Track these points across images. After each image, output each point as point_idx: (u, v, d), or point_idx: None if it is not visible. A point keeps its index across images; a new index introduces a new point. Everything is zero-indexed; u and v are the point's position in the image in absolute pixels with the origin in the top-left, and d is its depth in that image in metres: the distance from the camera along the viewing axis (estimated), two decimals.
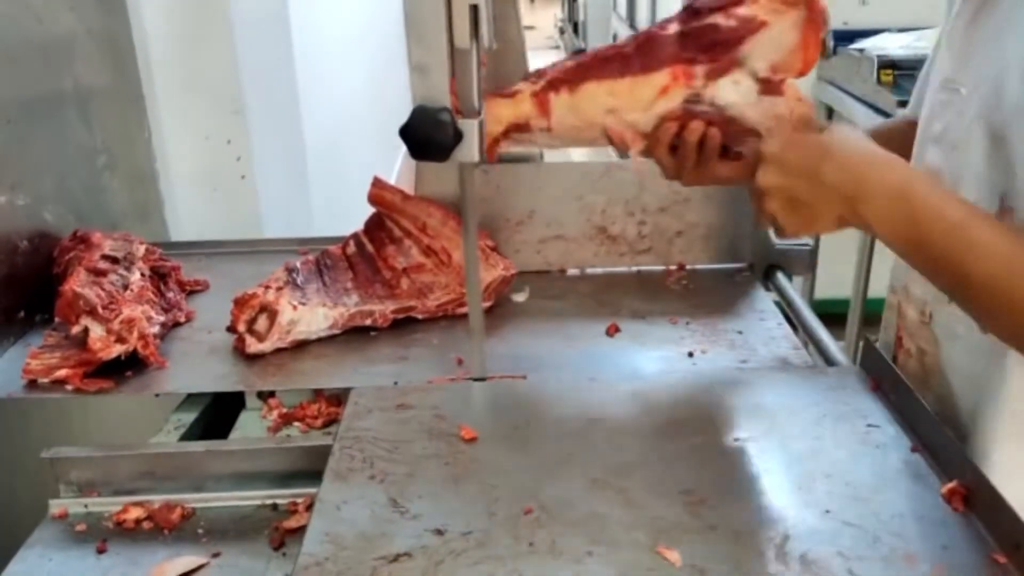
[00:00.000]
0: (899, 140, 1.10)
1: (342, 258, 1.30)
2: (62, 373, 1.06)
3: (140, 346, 1.08)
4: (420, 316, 1.21)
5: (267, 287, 1.15)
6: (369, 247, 1.30)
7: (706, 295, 1.31)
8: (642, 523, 0.80)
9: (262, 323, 1.13)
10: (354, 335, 1.19)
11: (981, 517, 0.80)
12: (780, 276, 1.35)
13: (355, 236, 1.33)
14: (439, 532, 0.79)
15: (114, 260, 1.16)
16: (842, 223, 0.87)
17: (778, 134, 0.93)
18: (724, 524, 0.80)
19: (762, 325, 1.21)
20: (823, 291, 3.11)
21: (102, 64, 1.46)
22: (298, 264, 1.24)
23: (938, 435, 0.89)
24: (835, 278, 3.05)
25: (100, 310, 1.08)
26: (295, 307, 1.14)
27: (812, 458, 0.89)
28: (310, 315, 1.15)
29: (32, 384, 1.07)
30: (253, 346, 1.13)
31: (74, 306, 1.08)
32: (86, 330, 1.07)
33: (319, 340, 1.18)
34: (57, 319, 1.12)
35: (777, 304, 1.29)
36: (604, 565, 0.75)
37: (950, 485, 0.83)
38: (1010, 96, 0.82)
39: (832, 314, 1.21)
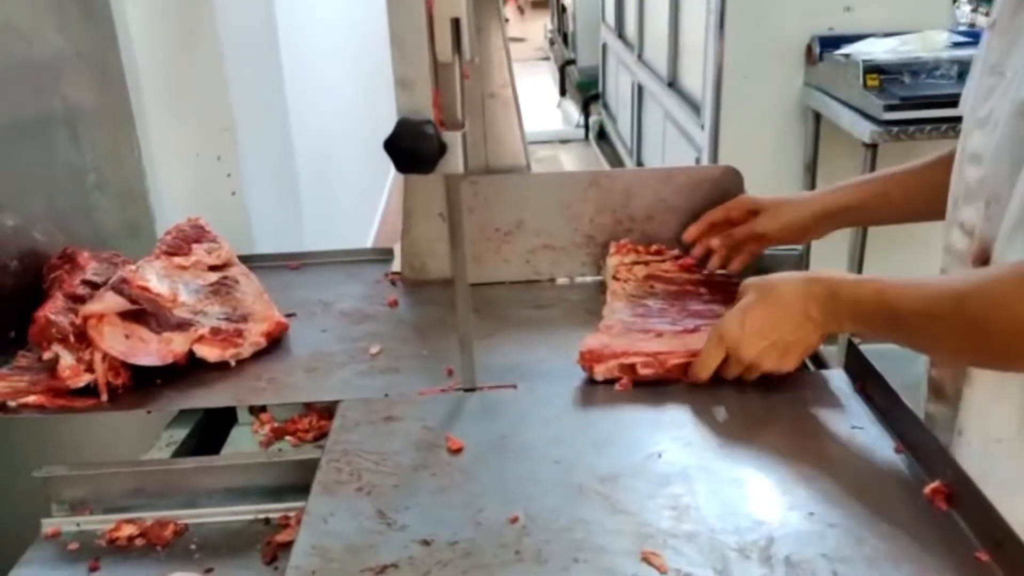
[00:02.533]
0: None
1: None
2: (31, 399, 1.06)
3: (111, 376, 1.08)
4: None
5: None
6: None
7: None
8: (628, 529, 0.81)
9: None
10: (346, 347, 1.20)
11: (964, 516, 0.81)
12: None
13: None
14: (426, 543, 0.80)
15: (94, 285, 1.16)
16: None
17: (724, 318, 1.03)
18: (709, 528, 0.81)
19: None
20: None
21: (90, 84, 1.47)
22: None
23: (921, 435, 0.89)
24: (827, 266, 3.06)
25: (71, 338, 1.08)
26: None
27: (797, 460, 0.90)
28: None
29: (2, 406, 1.07)
30: None
31: (46, 333, 1.08)
32: (57, 357, 1.08)
33: (310, 353, 1.19)
34: (30, 342, 1.12)
35: None
36: (590, 572, 0.76)
37: (933, 485, 0.84)
38: None
39: None
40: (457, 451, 0.94)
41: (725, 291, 1.22)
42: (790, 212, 1.25)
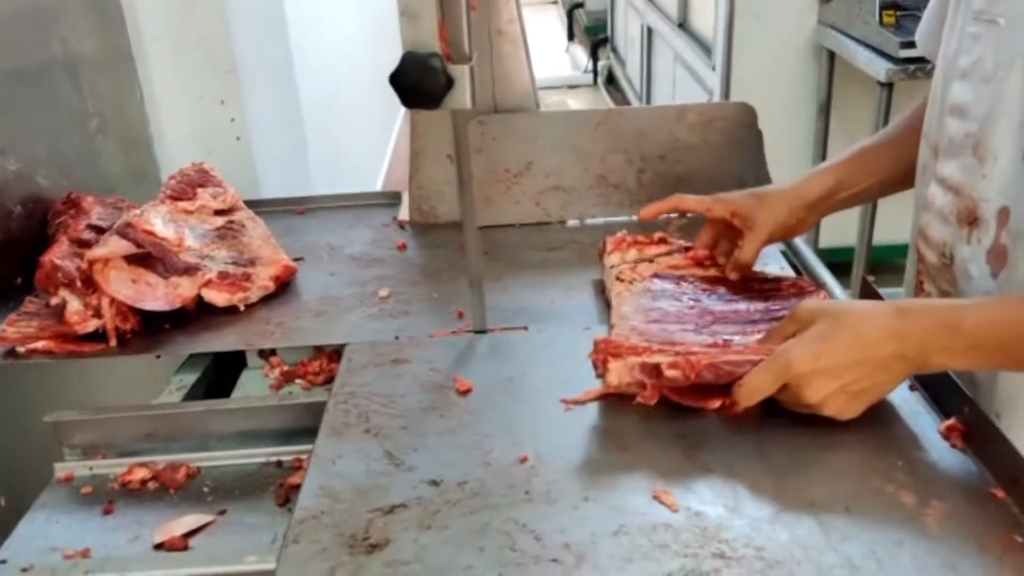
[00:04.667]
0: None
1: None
2: (40, 345, 1.06)
3: (119, 321, 1.07)
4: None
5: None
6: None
7: None
8: (639, 468, 0.80)
9: None
10: (355, 290, 1.19)
11: (979, 453, 0.80)
12: None
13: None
14: (434, 483, 0.79)
15: (99, 230, 1.15)
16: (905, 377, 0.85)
17: (792, 346, 0.83)
18: (721, 466, 0.80)
19: (765, 270, 1.20)
20: (827, 240, 3.10)
21: (90, 27, 1.44)
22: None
23: (936, 373, 0.87)
24: (839, 226, 3.03)
25: (78, 283, 1.06)
26: None
27: None
28: None
29: (11, 352, 1.06)
30: None
31: (52, 278, 1.07)
32: (64, 302, 1.07)
33: (319, 297, 1.18)
34: (37, 287, 1.11)
35: (783, 254, 1.27)
36: (601, 510, 0.76)
37: (948, 422, 0.83)
38: None
39: (837, 263, 1.19)
40: (465, 392, 0.93)
41: (746, 288, 1.06)
42: (781, 205, 1.09)
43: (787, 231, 1.10)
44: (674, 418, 0.87)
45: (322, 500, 0.78)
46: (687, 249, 1.13)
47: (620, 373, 0.87)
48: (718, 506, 0.75)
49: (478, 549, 0.72)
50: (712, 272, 1.09)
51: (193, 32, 1.66)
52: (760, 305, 1.02)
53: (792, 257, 1.26)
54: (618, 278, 1.08)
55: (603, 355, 0.87)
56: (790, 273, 1.19)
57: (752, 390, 0.84)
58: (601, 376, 0.88)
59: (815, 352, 0.81)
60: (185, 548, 0.83)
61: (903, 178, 1.11)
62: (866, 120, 2.83)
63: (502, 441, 0.85)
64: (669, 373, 0.85)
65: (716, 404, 0.87)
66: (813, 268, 1.19)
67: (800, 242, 1.28)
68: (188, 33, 1.66)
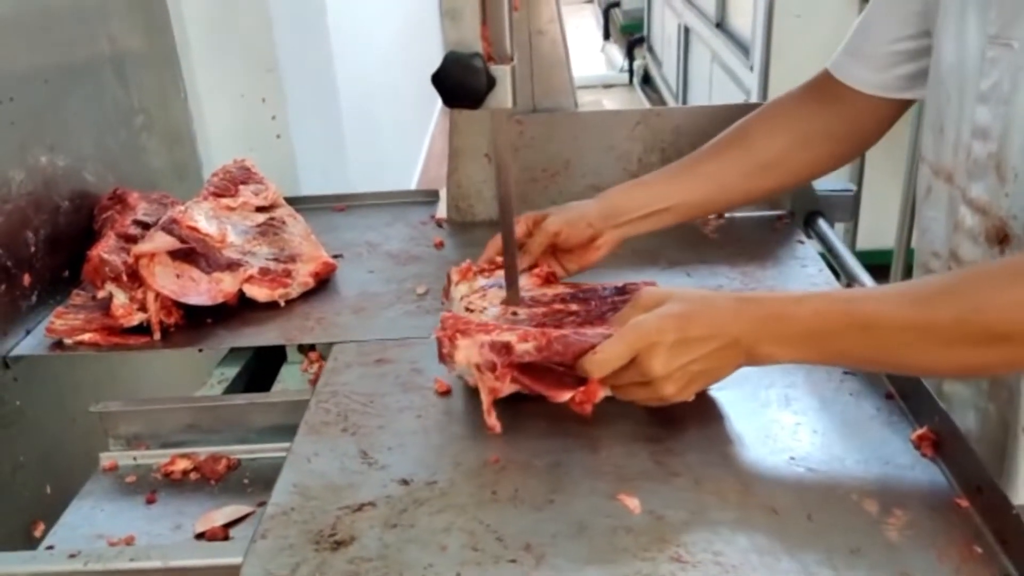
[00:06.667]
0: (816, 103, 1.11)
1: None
2: (86, 337, 1.08)
3: (163, 315, 1.09)
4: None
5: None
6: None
7: (746, 243, 1.29)
8: (606, 471, 0.81)
9: None
10: (393, 287, 1.20)
11: (948, 463, 0.79)
12: (821, 222, 1.33)
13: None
14: (405, 482, 0.80)
15: (145, 225, 1.17)
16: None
17: (647, 318, 0.81)
18: (688, 471, 0.80)
19: (803, 272, 1.19)
20: (865, 242, 3.06)
21: (136, 25, 1.47)
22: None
23: (912, 382, 0.87)
24: (877, 229, 3.00)
25: (124, 277, 1.08)
26: None
27: (784, 406, 0.89)
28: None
29: (58, 343, 1.08)
30: None
31: (100, 272, 1.09)
32: (110, 295, 1.09)
33: (357, 293, 1.19)
34: (84, 280, 1.14)
35: (822, 255, 1.27)
36: (562, 512, 0.76)
37: (920, 431, 0.83)
38: None
39: (874, 266, 1.18)
40: (444, 393, 0.94)
41: (600, 304, 0.98)
42: (576, 209, 1.09)
43: (578, 235, 1.08)
44: (646, 423, 0.86)
45: (294, 497, 0.80)
46: (532, 268, 1.06)
47: (468, 352, 0.84)
48: (680, 511, 0.75)
49: (440, 548, 0.72)
50: (562, 291, 1.03)
51: (236, 31, 1.68)
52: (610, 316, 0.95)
53: (831, 259, 1.25)
54: (467, 309, 1.01)
55: (451, 332, 0.84)
56: (829, 276, 1.18)
57: (605, 358, 0.81)
58: (447, 357, 0.85)
59: (670, 324, 0.80)
60: (226, 538, 0.85)
61: (717, 200, 1.14)
62: (906, 121, 2.80)
63: (476, 441, 0.86)
64: (520, 347, 0.83)
65: (566, 396, 0.84)
66: (852, 270, 1.18)
67: (837, 241, 1.27)
68: (231, 32, 1.68)
